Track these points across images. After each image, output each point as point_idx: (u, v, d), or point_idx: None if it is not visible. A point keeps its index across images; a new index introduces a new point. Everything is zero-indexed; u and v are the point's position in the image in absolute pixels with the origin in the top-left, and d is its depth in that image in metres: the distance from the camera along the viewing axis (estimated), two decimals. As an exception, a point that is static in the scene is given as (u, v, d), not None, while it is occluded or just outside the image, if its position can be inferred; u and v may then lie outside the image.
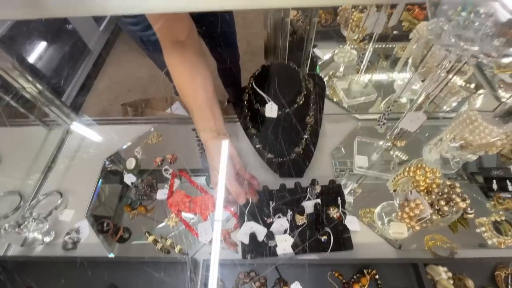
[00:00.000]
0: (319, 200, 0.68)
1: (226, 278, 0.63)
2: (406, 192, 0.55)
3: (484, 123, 0.58)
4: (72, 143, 0.91)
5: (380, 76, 1.05)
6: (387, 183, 0.74)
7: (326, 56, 1.13)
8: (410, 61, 0.93)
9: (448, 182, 0.53)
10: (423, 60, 0.61)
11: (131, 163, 0.83)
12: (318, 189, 0.71)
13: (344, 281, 0.60)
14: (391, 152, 0.82)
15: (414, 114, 0.56)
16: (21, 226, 0.67)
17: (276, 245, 0.64)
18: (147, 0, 0.49)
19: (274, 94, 0.59)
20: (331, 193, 0.72)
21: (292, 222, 0.66)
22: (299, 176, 0.76)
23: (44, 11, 0.48)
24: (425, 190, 0.54)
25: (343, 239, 0.65)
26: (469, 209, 0.52)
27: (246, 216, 0.67)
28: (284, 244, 0.62)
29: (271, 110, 0.59)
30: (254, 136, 0.68)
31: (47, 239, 0.69)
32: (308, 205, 0.68)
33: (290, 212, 0.67)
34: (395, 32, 1.10)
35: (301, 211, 0.66)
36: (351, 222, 0.68)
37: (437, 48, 0.43)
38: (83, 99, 2.13)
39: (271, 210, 0.68)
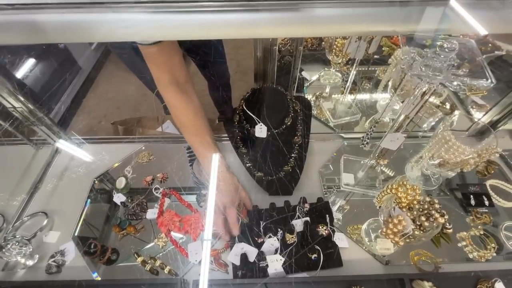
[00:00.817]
0: (308, 218, 0.70)
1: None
2: (389, 208, 0.57)
3: (458, 143, 0.62)
4: (61, 162, 0.90)
5: (363, 97, 1.11)
6: (374, 199, 0.77)
7: (313, 78, 1.19)
8: (390, 83, 1.00)
9: (428, 199, 0.56)
10: (400, 84, 0.66)
11: (121, 183, 0.82)
12: (306, 207, 0.73)
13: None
14: (377, 169, 0.86)
15: (394, 134, 0.60)
16: (3, 250, 0.64)
17: (267, 265, 0.64)
18: (139, 30, 0.52)
19: (263, 115, 0.62)
20: (320, 211, 0.74)
21: (283, 241, 0.67)
22: (288, 194, 0.77)
23: (43, 37, 0.50)
24: (407, 207, 0.57)
25: (332, 257, 0.66)
26: (447, 224, 0.55)
27: (237, 237, 0.68)
28: (275, 264, 0.63)
29: (260, 131, 0.62)
30: (244, 155, 0.71)
31: (30, 263, 0.67)
32: (298, 224, 0.69)
33: (280, 231, 0.68)
34: (376, 56, 1.18)
35: (291, 230, 0.68)
36: (340, 239, 0.69)
37: (408, 76, 0.48)
38: (71, 117, 2.10)
39: (262, 230, 0.69)
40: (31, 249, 0.68)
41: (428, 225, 0.53)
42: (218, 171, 0.66)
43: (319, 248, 0.65)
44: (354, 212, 0.78)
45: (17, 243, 0.66)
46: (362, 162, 0.87)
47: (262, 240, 0.68)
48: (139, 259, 0.68)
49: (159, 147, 0.93)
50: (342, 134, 0.96)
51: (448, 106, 1.04)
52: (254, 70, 0.70)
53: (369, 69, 1.20)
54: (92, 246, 0.69)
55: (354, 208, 0.79)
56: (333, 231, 0.69)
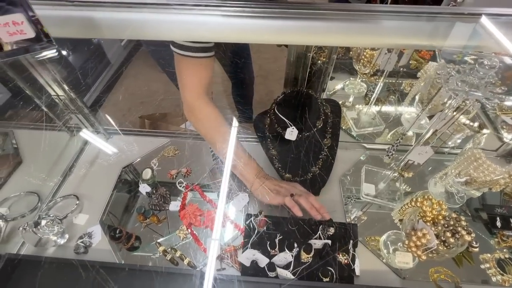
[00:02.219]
0: (329, 241, 0.66)
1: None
2: (413, 221, 0.57)
3: (488, 161, 0.61)
4: (92, 150, 0.95)
5: (388, 109, 1.11)
6: (392, 213, 0.76)
7: (337, 87, 1.20)
8: (417, 97, 0.99)
9: (454, 215, 0.56)
10: (431, 99, 0.66)
11: (147, 174, 0.86)
12: (331, 231, 0.69)
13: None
14: (397, 183, 0.85)
15: (422, 148, 0.60)
16: (38, 227, 0.69)
17: (275, 277, 0.63)
18: (178, 30, 0.55)
19: (295, 118, 0.64)
20: (344, 236, 0.69)
21: (297, 258, 0.65)
22: (316, 195, 0.78)
23: (98, 32, 0.55)
24: (432, 221, 0.57)
25: (345, 281, 0.63)
26: (474, 242, 0.54)
27: (250, 243, 0.68)
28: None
29: (291, 133, 0.63)
30: (274, 157, 0.72)
31: (60, 241, 0.71)
32: (317, 243, 0.66)
33: (296, 247, 0.65)
34: (404, 69, 1.17)
35: (308, 250, 0.64)
36: (357, 266, 0.66)
37: (444, 90, 0.48)
38: (98, 108, 2.21)
39: (277, 242, 0.67)
40: (62, 229, 0.72)
41: (453, 242, 0.53)
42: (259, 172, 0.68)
43: (333, 272, 0.63)
44: (371, 224, 0.78)
45: (51, 222, 0.70)
46: (383, 173, 0.87)
47: (275, 252, 0.67)
48: (161, 248, 0.71)
49: (184, 143, 0.97)
50: (365, 144, 0.96)
51: (476, 124, 1.01)
52: (285, 75, 0.72)
53: (396, 81, 1.19)
54: (117, 232, 0.73)
55: (370, 220, 0.79)
56: (354, 257, 0.66)
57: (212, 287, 0.56)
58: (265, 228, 0.70)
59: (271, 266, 0.64)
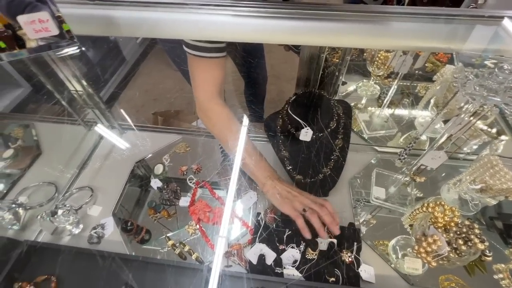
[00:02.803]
0: (334, 240, 0.68)
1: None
2: (424, 227, 0.56)
3: (505, 169, 0.59)
4: (107, 144, 0.98)
5: (401, 112, 1.09)
6: (402, 218, 0.75)
7: (349, 88, 1.19)
8: (432, 101, 0.97)
9: (467, 222, 0.54)
10: (447, 103, 0.64)
11: (158, 169, 0.88)
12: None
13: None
14: (408, 188, 0.83)
15: (436, 152, 0.58)
16: (55, 216, 0.72)
17: (282, 272, 0.64)
18: (193, 29, 0.56)
19: (308, 119, 0.64)
20: (349, 236, 0.71)
21: (302, 254, 0.67)
22: (325, 196, 0.78)
23: (117, 30, 0.57)
24: (443, 228, 0.56)
25: (351, 281, 0.64)
26: (487, 251, 0.53)
27: (258, 237, 0.69)
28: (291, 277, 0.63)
29: (306, 134, 0.63)
30: (285, 159, 0.73)
31: (75, 231, 0.74)
32: (323, 242, 0.68)
33: (303, 244, 0.68)
34: (419, 72, 1.15)
35: (314, 246, 0.66)
36: (366, 272, 0.66)
37: (461, 94, 0.47)
38: (113, 104, 2.27)
39: (285, 238, 0.69)
40: (77, 219, 0.75)
41: (465, 250, 0.51)
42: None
43: (339, 274, 0.64)
44: (380, 228, 0.77)
45: (67, 212, 0.73)
46: (394, 177, 0.85)
47: (283, 247, 0.68)
48: (170, 242, 0.72)
49: (196, 140, 0.98)
50: (376, 147, 0.94)
51: (494, 130, 0.98)
52: (298, 75, 0.72)
53: (410, 84, 1.17)
54: (129, 224, 0.75)
55: (379, 224, 0.78)
56: (358, 261, 0.67)
57: (218, 283, 0.57)
58: (274, 225, 0.70)
59: (278, 262, 0.65)
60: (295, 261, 0.66)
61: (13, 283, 0.66)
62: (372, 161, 0.91)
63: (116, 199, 0.82)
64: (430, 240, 0.53)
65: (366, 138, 0.99)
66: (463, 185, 0.73)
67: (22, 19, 0.39)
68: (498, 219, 0.77)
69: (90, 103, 0.90)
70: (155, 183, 0.84)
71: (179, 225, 0.77)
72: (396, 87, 0.92)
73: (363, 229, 0.77)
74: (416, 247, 0.55)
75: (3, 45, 0.55)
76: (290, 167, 0.74)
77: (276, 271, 0.65)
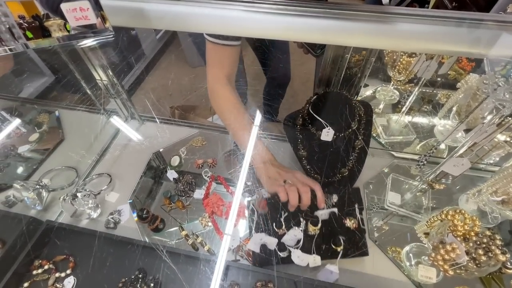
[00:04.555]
0: (335, 209, 0.66)
1: (244, 284, 0.65)
2: (442, 234, 0.55)
3: (531, 181, 0.58)
4: (126, 133, 1.01)
5: (420, 119, 1.07)
6: (416, 226, 0.74)
7: (368, 93, 1.17)
8: (454, 109, 0.95)
9: (488, 233, 0.53)
10: (472, 111, 0.63)
11: (175, 161, 0.90)
12: (335, 198, 0.69)
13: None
14: (423, 197, 0.82)
15: (459, 159, 0.57)
16: (75, 199, 0.75)
17: (287, 256, 0.64)
18: (218, 24, 0.57)
19: (330, 119, 0.64)
20: (350, 200, 0.69)
21: (304, 232, 0.65)
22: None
23: (147, 22, 0.58)
24: (462, 237, 0.54)
25: (357, 245, 0.64)
26: (509, 263, 0.51)
27: (254, 227, 0.68)
28: (296, 259, 0.63)
29: (327, 134, 0.64)
30: (303, 158, 0.73)
31: (93, 215, 0.77)
32: (323, 214, 0.66)
33: (303, 221, 0.66)
34: (440, 79, 1.12)
35: (315, 222, 0.65)
36: (333, 273, 0.63)
37: (490, 101, 0.46)
38: (131, 96, 2.33)
39: (283, 221, 0.67)
40: (96, 203, 0.77)
41: (485, 261, 0.50)
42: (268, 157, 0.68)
43: (343, 238, 0.63)
44: (392, 234, 0.76)
45: (87, 196, 0.76)
46: (410, 183, 0.84)
47: (283, 231, 0.66)
48: (183, 233, 0.74)
49: (212, 135, 1.00)
50: (393, 153, 0.93)
51: (518, 142, 0.95)
52: (320, 75, 0.73)
53: (432, 91, 1.15)
54: (145, 212, 0.77)
55: (392, 230, 0.77)
56: (362, 220, 0.66)
57: (224, 276, 0.58)
58: (267, 210, 0.69)
59: (282, 246, 0.65)
60: (298, 241, 0.65)
61: (34, 260, 0.69)
62: (385, 170, 0.90)
63: (133, 187, 0.84)
64: (448, 248, 0.52)
65: (383, 143, 0.98)
66: (484, 196, 0.72)
67: (65, 6, 0.42)
68: (518, 234, 0.75)
69: (112, 92, 0.93)
70: (171, 174, 0.86)
71: (191, 217, 0.79)
72: (416, 93, 0.90)
73: (376, 235, 0.76)
74: (433, 255, 0.54)
75: (30, 35, 0.58)
76: (309, 166, 0.74)
77: (281, 256, 0.65)
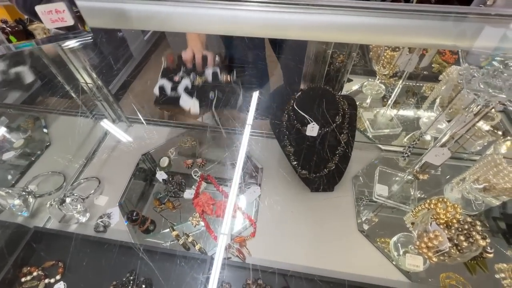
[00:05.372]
0: (218, 70, 0.79)
1: (234, 281, 0.65)
2: (425, 223, 0.57)
3: (509, 168, 0.60)
4: (114, 136, 1.00)
5: (406, 112, 1.09)
6: (404, 217, 0.75)
7: (355, 87, 1.19)
8: (437, 101, 0.97)
9: (469, 219, 0.55)
10: (451, 101, 0.65)
11: (164, 162, 0.90)
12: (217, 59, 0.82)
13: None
14: (411, 188, 0.84)
15: (440, 149, 0.59)
16: (63, 204, 0.74)
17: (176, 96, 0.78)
18: (210, 24, 0.57)
19: (314, 114, 0.65)
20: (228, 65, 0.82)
21: (194, 83, 0.79)
22: (330, 190, 0.80)
23: (129, 23, 0.58)
24: (445, 224, 0.56)
25: (230, 100, 0.76)
26: (489, 248, 0.53)
27: (160, 75, 0.83)
28: (182, 102, 0.77)
29: (312, 129, 0.65)
30: (291, 154, 0.74)
31: (82, 219, 0.76)
32: (208, 73, 0.80)
33: (194, 75, 0.80)
34: (424, 72, 1.15)
35: (201, 75, 0.79)
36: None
37: (465, 92, 0.48)
38: (119, 99, 2.30)
39: (182, 73, 0.81)
40: (84, 208, 0.77)
41: (467, 246, 0.52)
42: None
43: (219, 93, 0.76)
44: (382, 226, 0.77)
45: (75, 200, 0.75)
46: (397, 176, 0.86)
47: (178, 79, 0.80)
48: (174, 233, 0.74)
49: (201, 135, 1.00)
50: (381, 146, 0.95)
51: (500, 132, 0.98)
52: (304, 72, 0.73)
53: (416, 84, 1.17)
54: (134, 214, 0.76)
55: (382, 222, 0.78)
56: (234, 82, 0.80)
57: (217, 274, 0.58)
58: (175, 64, 0.85)
59: (176, 91, 0.79)
60: (187, 88, 0.79)
61: (22, 267, 0.68)
62: (374, 161, 0.91)
63: (122, 190, 0.83)
64: (431, 235, 0.53)
65: (370, 136, 0.99)
66: (466, 184, 0.74)
67: (40, 8, 0.41)
68: (502, 220, 0.77)
69: (98, 95, 0.92)
70: (161, 176, 0.86)
71: (183, 217, 0.79)
72: (401, 86, 0.92)
73: (366, 227, 0.77)
74: (418, 243, 0.56)
75: (13, 39, 0.56)
76: (295, 162, 0.75)
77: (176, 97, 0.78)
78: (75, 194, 0.76)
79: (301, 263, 0.69)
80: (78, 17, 0.49)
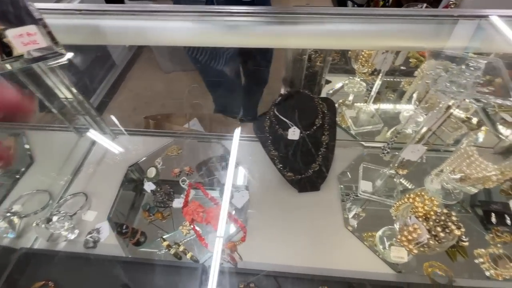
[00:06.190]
0: None
1: (227, 286, 0.66)
2: (405, 217, 0.59)
3: (480, 159, 0.63)
4: (99, 150, 0.99)
5: (387, 107, 1.12)
6: (391, 210, 0.78)
7: (338, 85, 1.22)
8: (415, 95, 1.00)
9: (445, 211, 0.57)
10: (424, 97, 0.68)
11: (151, 172, 0.90)
12: None
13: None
14: (396, 181, 0.87)
15: (415, 146, 0.62)
16: (50, 222, 0.73)
17: None
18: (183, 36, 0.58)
19: (295, 119, 0.67)
20: None
21: None
22: (316, 190, 0.82)
23: (104, 38, 0.58)
24: (424, 217, 0.59)
25: None
26: (463, 237, 0.56)
27: None
28: None
29: (293, 133, 0.66)
30: (275, 158, 0.76)
31: (71, 236, 0.75)
32: None
33: None
34: (402, 67, 1.18)
35: None
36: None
37: (432, 91, 0.50)
38: (104, 109, 2.26)
39: None
40: (72, 225, 0.76)
41: (444, 236, 0.55)
42: None
43: None
44: (370, 220, 0.80)
45: (62, 218, 0.74)
46: (381, 171, 0.89)
47: None
48: (165, 243, 0.74)
49: (187, 142, 1.00)
50: (363, 142, 0.97)
51: (474, 121, 1.02)
52: (283, 77, 0.75)
53: (395, 80, 1.20)
54: (124, 227, 0.76)
55: (370, 216, 0.81)
56: None
57: (214, 281, 0.60)
58: None
59: None
60: None
61: (11, 290, 0.67)
62: (360, 156, 0.94)
63: (111, 203, 0.83)
64: (411, 229, 0.56)
65: (353, 134, 1.02)
66: (444, 176, 0.77)
67: (10, 33, 0.41)
68: (480, 207, 0.81)
69: (81, 110, 0.91)
70: (149, 186, 0.86)
71: (175, 226, 0.79)
72: (380, 83, 0.95)
73: (354, 222, 0.80)
74: (399, 236, 0.58)
75: None
76: (281, 165, 0.77)
77: None
78: (61, 212, 0.76)
79: (292, 264, 0.70)
80: (51, 36, 0.49)
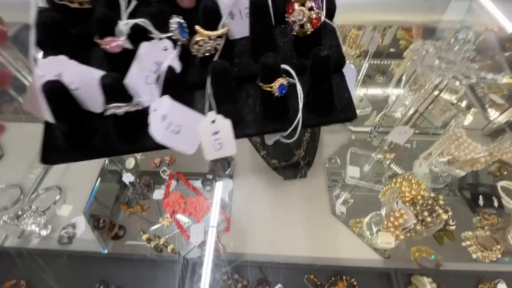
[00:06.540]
0: None
1: (210, 278, 0.64)
2: (392, 202, 0.57)
3: (469, 140, 0.61)
4: (75, 141, 0.93)
5: (375, 91, 1.09)
6: (379, 194, 0.76)
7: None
8: (404, 78, 0.97)
9: (432, 195, 0.55)
10: (411, 76, 0.64)
11: (130, 163, 0.85)
12: None
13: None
14: (385, 166, 0.84)
15: (401, 128, 0.59)
16: (20, 219, 0.69)
17: None
18: None
19: None
20: None
21: None
22: (303, 177, 0.78)
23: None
24: (411, 201, 0.57)
25: None
26: (451, 220, 0.54)
27: None
28: None
29: None
30: (258, 144, 0.72)
31: (44, 233, 0.71)
32: None
33: None
34: (392, 49, 1.14)
35: None
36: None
37: (420, 67, 0.47)
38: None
39: None
40: (45, 220, 0.72)
41: (431, 221, 0.53)
42: None
43: None
44: (359, 206, 0.78)
45: (32, 214, 0.70)
46: (369, 156, 0.86)
47: None
48: (144, 236, 0.71)
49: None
50: (351, 127, 0.95)
51: (464, 103, 1.00)
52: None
53: (384, 62, 1.16)
54: (101, 221, 0.73)
55: (359, 202, 0.79)
56: None
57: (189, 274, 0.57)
58: None
59: None
60: None
61: (-21, 292, 0.64)
62: (346, 143, 0.91)
63: (87, 197, 0.78)
64: (397, 214, 0.54)
65: (341, 118, 0.99)
66: (433, 159, 0.75)
67: None
68: (467, 190, 0.80)
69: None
70: (127, 178, 0.81)
71: (154, 218, 0.76)
72: (367, 65, 0.91)
73: (343, 209, 0.78)
74: (385, 222, 0.56)
75: None
76: (264, 152, 0.73)
77: None
78: (32, 207, 0.71)
79: (278, 253, 0.68)
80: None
